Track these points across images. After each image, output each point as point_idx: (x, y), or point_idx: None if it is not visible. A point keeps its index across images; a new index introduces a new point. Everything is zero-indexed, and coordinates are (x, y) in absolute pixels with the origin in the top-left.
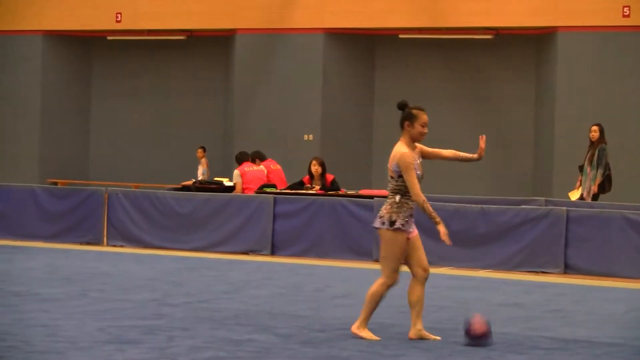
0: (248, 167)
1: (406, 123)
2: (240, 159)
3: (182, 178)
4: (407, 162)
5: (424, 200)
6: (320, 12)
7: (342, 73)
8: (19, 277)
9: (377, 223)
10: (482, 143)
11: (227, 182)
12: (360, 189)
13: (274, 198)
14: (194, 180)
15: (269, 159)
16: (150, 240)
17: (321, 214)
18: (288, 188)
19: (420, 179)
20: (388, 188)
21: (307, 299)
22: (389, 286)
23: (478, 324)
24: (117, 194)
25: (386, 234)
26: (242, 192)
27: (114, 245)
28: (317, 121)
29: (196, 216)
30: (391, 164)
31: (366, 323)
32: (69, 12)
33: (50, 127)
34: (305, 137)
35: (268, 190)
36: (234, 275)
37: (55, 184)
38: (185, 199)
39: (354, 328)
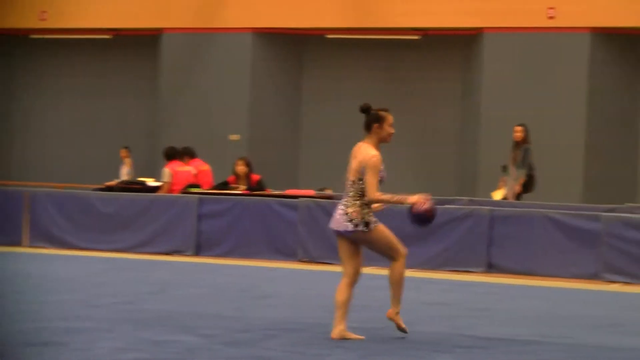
0: (179, 166)
1: (375, 125)
2: (170, 155)
3: (106, 178)
4: (376, 164)
5: (379, 197)
6: (249, 12)
7: (270, 73)
8: None
9: (349, 227)
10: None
11: (151, 182)
12: (286, 189)
13: (199, 198)
14: (117, 181)
15: (197, 159)
16: (73, 241)
17: (246, 214)
18: (213, 188)
19: (382, 181)
20: (352, 190)
21: (231, 299)
22: (404, 258)
23: (421, 204)
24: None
25: (366, 236)
26: (169, 192)
27: (36, 247)
28: (245, 121)
29: (120, 216)
30: (360, 166)
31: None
32: None
33: None
34: (233, 137)
35: (193, 190)
36: (158, 275)
37: None
38: (109, 199)
39: (391, 313)
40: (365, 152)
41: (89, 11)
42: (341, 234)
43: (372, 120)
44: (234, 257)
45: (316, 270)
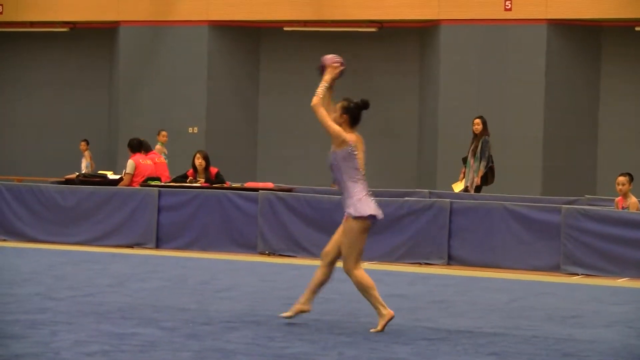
0: (143, 159)
1: None
2: (135, 146)
3: (66, 171)
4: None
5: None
6: (205, 4)
7: (227, 66)
8: None
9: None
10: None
11: (110, 175)
12: (244, 182)
13: (159, 191)
14: (77, 174)
15: (153, 152)
16: (33, 234)
17: (206, 206)
18: (172, 181)
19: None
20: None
21: (192, 292)
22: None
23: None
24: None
25: None
26: (131, 184)
27: None
28: (202, 114)
29: (80, 209)
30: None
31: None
32: None
33: None
34: (190, 129)
35: (152, 183)
36: (118, 268)
37: None
38: (69, 192)
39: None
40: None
41: (45, 4)
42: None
43: None
44: (194, 249)
45: (276, 263)
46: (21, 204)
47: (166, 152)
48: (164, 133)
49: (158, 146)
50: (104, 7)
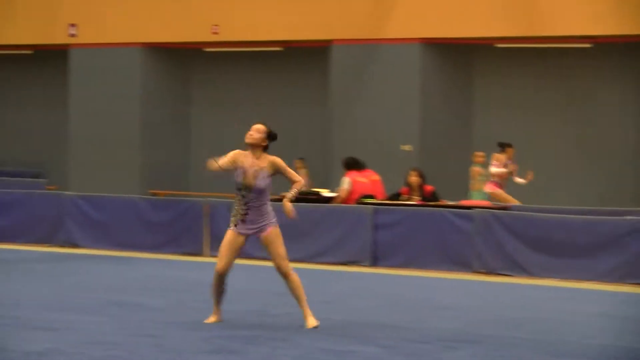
0: (359, 176)
1: None
2: (350, 164)
3: (282, 189)
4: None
5: None
6: (416, 22)
7: (439, 82)
8: (120, 287)
9: None
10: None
11: (325, 193)
12: (460, 200)
13: (374, 209)
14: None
15: (368, 170)
16: (251, 251)
17: (421, 224)
18: (385, 199)
19: (239, 186)
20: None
21: (408, 310)
22: (216, 272)
23: None
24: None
25: None
26: (345, 201)
27: (215, 256)
28: (416, 131)
29: (296, 227)
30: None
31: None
32: (166, 25)
33: (150, 137)
34: (405, 147)
35: (368, 200)
36: (334, 286)
37: (156, 194)
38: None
39: None
40: None
41: (259, 24)
42: None
43: None
44: (409, 267)
45: (493, 282)
46: None
47: (484, 173)
48: (479, 154)
49: (477, 168)
50: (316, 26)
